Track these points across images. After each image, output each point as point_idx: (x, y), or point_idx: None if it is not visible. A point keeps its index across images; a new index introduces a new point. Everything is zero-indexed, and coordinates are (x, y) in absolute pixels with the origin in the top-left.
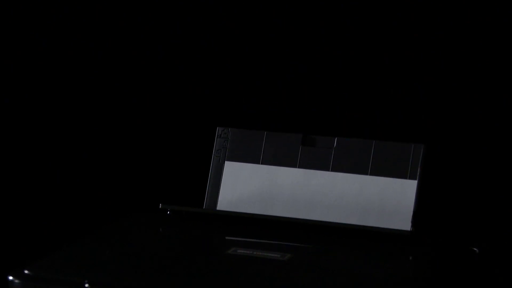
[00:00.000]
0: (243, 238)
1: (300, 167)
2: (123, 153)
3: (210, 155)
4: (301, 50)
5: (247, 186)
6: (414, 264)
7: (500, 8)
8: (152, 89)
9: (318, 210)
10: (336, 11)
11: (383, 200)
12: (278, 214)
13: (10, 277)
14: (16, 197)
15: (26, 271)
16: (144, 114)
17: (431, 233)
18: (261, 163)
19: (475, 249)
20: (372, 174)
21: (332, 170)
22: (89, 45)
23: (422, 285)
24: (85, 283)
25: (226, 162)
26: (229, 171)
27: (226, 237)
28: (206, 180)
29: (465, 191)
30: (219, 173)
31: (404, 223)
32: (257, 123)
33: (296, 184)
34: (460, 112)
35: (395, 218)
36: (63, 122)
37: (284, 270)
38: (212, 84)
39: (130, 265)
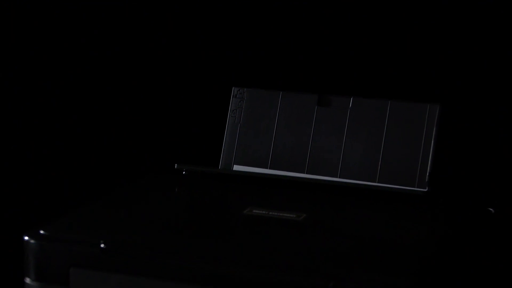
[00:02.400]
0: (258, 198)
1: (315, 127)
2: (139, 114)
3: (225, 115)
4: (317, 10)
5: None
6: (429, 225)
7: None
8: (168, 50)
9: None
10: None
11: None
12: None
13: (26, 237)
14: (32, 157)
15: (41, 231)
16: (160, 74)
17: (447, 193)
18: (277, 123)
19: (490, 209)
20: (387, 134)
21: (348, 130)
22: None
23: (438, 246)
24: (100, 243)
25: (241, 121)
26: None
27: (242, 197)
28: (221, 140)
29: (481, 151)
30: (234, 133)
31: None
32: (273, 83)
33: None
34: (476, 72)
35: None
36: (79, 82)
37: (300, 231)
38: (228, 44)
39: (145, 226)
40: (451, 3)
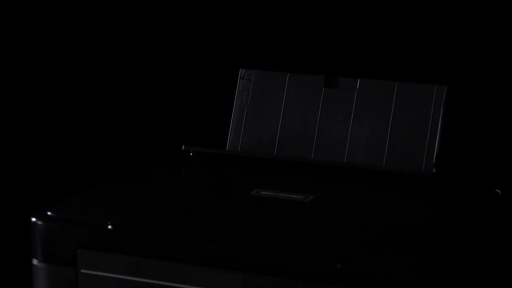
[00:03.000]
0: (265, 180)
1: (322, 108)
2: (146, 94)
3: (233, 97)
4: None
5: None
6: (436, 206)
7: None
8: (175, 31)
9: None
10: None
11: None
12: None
13: (33, 219)
14: (40, 138)
15: (49, 213)
16: (168, 56)
17: (454, 175)
18: (284, 105)
19: (498, 191)
20: (394, 115)
21: (355, 112)
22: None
23: (445, 227)
24: (108, 225)
25: (248, 103)
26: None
27: (249, 179)
28: (229, 122)
29: (488, 133)
30: (241, 115)
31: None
32: (280, 65)
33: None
34: (484, 53)
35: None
36: (87, 62)
37: (307, 212)
38: (236, 26)
39: (153, 207)
40: None
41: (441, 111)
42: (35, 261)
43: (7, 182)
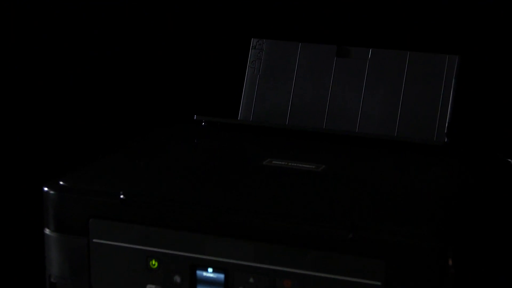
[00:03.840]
0: (277, 149)
1: (334, 78)
2: (158, 64)
3: (245, 66)
4: None
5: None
6: (448, 175)
7: None
8: (188, 1)
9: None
10: None
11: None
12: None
13: (46, 188)
14: (53, 108)
15: (61, 182)
16: (180, 25)
17: (466, 144)
18: (296, 74)
19: (509, 160)
20: (406, 85)
21: (367, 81)
22: None
23: (457, 196)
24: (120, 194)
25: (260, 73)
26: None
27: (261, 148)
28: (241, 92)
29: (499, 102)
30: (253, 85)
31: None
32: (292, 34)
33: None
34: (495, 23)
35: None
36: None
37: (319, 181)
38: None
39: (165, 177)
40: None
41: (453, 81)
42: (47, 231)
43: (20, 152)
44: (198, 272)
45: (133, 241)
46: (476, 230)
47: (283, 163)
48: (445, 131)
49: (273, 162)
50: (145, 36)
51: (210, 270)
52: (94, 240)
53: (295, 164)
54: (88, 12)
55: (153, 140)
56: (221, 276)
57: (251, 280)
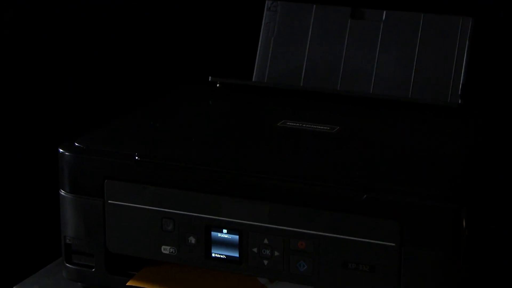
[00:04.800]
0: (292, 111)
1: (348, 40)
2: (174, 26)
3: (259, 28)
4: None
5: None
6: (462, 137)
7: None
8: None
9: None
10: None
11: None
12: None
13: (61, 150)
14: (68, 68)
15: (76, 144)
16: None
17: (480, 106)
18: (310, 36)
19: None
20: (420, 47)
21: (381, 43)
22: None
23: (470, 158)
24: (135, 155)
25: (275, 35)
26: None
27: (275, 110)
28: (255, 54)
29: None
30: (268, 46)
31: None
32: None
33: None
34: None
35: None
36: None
37: (333, 143)
38: None
39: (179, 138)
40: None
41: (467, 43)
42: (62, 192)
43: (36, 113)
44: (213, 233)
45: (148, 203)
46: (489, 191)
47: (297, 124)
48: (459, 92)
49: (288, 123)
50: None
51: (225, 231)
52: (109, 202)
53: (309, 126)
54: None
55: (168, 102)
56: (235, 237)
57: (266, 241)
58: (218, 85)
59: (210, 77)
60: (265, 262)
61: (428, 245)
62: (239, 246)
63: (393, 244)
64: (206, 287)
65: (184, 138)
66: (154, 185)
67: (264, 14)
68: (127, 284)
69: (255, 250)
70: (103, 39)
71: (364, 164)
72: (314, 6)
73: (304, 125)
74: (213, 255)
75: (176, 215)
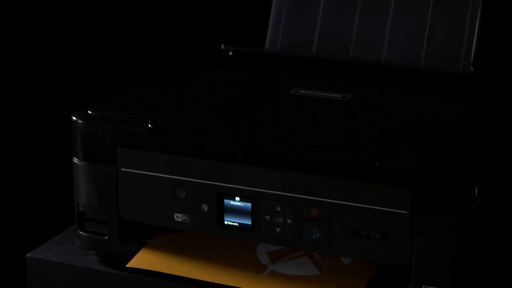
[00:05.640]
0: (304, 79)
1: (361, 8)
2: None
3: None
4: None
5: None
6: (474, 105)
7: None
8: None
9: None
10: None
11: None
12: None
13: (74, 117)
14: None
15: (89, 111)
16: None
17: (492, 74)
18: (322, 4)
19: None
20: (432, 14)
21: (393, 11)
22: None
23: (483, 126)
24: (148, 123)
25: (287, 2)
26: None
27: (288, 78)
28: (267, 21)
29: None
30: (280, 14)
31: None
32: None
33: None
34: None
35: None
36: None
37: (345, 110)
38: None
39: (192, 106)
40: None
41: (479, 10)
42: (75, 160)
43: (49, 81)
44: (226, 201)
45: (161, 170)
46: (502, 159)
47: (310, 92)
48: (471, 60)
49: (300, 91)
50: None
51: (237, 199)
52: (122, 169)
53: (322, 94)
54: None
55: (181, 69)
56: (248, 204)
57: (278, 208)
58: (230, 53)
59: (222, 45)
60: (278, 229)
61: (440, 212)
62: (251, 213)
63: (405, 212)
64: (218, 255)
65: (196, 105)
66: (167, 153)
67: None
68: (126, 265)
69: (267, 217)
70: (116, 6)
71: (376, 131)
72: None
73: (317, 93)
74: (225, 222)
75: (189, 183)
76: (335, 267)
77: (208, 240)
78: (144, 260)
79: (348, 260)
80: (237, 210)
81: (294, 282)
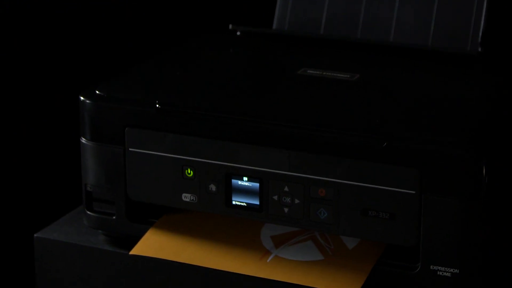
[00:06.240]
0: (312, 59)
1: None
2: None
3: None
4: None
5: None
6: (482, 85)
7: None
8: None
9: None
10: None
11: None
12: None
13: (82, 97)
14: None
15: (97, 91)
16: None
17: (500, 54)
18: None
19: None
20: None
21: None
22: None
23: (492, 107)
24: (156, 103)
25: None
26: None
27: (296, 58)
28: (275, 1)
29: None
30: None
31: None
32: None
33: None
34: None
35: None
36: None
37: (353, 91)
38: None
39: (200, 86)
40: None
41: None
42: (83, 140)
43: (57, 61)
44: (234, 181)
45: (168, 150)
46: (510, 140)
47: (317, 72)
48: (479, 40)
49: (308, 71)
50: None
51: (245, 179)
52: (130, 149)
53: (330, 74)
54: None
55: (189, 49)
56: (256, 184)
57: (286, 188)
58: (238, 33)
59: (230, 25)
60: (286, 209)
61: (448, 193)
62: (259, 193)
63: (413, 192)
64: (222, 240)
65: (204, 86)
66: (175, 133)
67: None
68: (130, 253)
69: (275, 197)
70: None
71: (384, 112)
72: None
73: (324, 73)
74: (233, 202)
75: (197, 163)
76: (340, 252)
77: (213, 222)
78: (147, 246)
79: (352, 244)
80: (245, 190)
81: (297, 268)
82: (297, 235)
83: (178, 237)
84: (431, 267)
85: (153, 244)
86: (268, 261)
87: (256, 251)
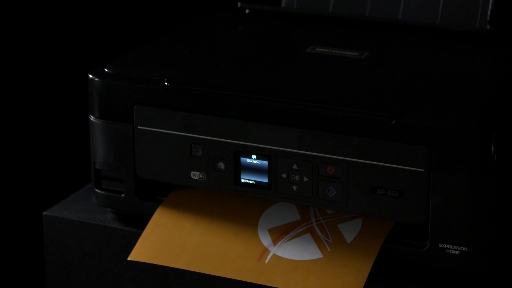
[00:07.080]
0: (321, 37)
1: None
2: None
3: None
4: None
5: None
6: (491, 63)
7: None
8: None
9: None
10: None
11: None
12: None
13: (90, 76)
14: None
15: (106, 69)
16: None
17: (509, 32)
18: None
19: None
20: None
21: None
22: None
23: (498, 84)
24: (164, 81)
25: None
26: None
27: (304, 36)
28: None
29: None
30: None
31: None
32: None
33: None
34: None
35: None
36: None
37: (362, 68)
38: None
39: (209, 63)
40: None
41: None
42: (92, 118)
43: (65, 40)
44: (242, 159)
45: (177, 128)
46: None
47: (326, 50)
48: (487, 18)
49: (317, 49)
50: None
51: (254, 156)
52: (139, 127)
53: (339, 51)
54: None
55: (197, 27)
56: (264, 162)
57: (295, 166)
58: (247, 11)
59: (239, 2)
60: (294, 188)
61: (457, 170)
62: (268, 171)
63: (422, 170)
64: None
65: (213, 63)
66: (184, 111)
67: None
68: (128, 259)
69: (284, 175)
70: None
71: (393, 89)
72: None
73: (333, 51)
74: (242, 180)
75: (205, 141)
76: (338, 247)
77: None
78: (143, 252)
79: (351, 238)
80: (253, 168)
81: (296, 271)
82: (294, 227)
83: (177, 236)
84: (440, 245)
85: (145, 254)
86: (266, 262)
87: (254, 249)
